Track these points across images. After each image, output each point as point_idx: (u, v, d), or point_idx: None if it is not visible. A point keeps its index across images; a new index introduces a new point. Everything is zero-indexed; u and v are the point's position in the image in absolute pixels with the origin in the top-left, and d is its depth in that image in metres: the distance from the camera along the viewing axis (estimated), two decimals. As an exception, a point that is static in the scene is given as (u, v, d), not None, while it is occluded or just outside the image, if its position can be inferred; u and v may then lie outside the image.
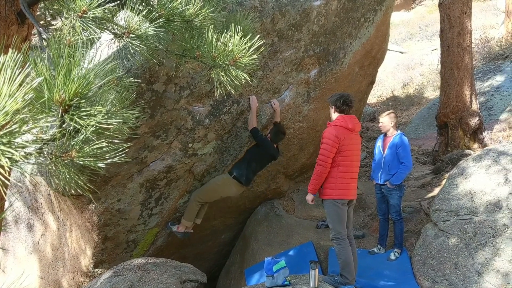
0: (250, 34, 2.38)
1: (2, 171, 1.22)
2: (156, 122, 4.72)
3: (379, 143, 5.97)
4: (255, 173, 5.79)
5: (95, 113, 1.42)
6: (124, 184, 4.94)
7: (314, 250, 6.27)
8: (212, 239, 7.57)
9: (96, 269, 5.57)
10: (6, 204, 5.23)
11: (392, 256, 5.79)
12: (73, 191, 1.56)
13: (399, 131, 5.84)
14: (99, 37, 2.31)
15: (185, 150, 5.21)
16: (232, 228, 7.73)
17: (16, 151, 1.14)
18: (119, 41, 2.17)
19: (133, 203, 5.15)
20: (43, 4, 2.81)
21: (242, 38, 2.31)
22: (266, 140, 5.56)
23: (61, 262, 5.96)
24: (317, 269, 4.49)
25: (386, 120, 5.83)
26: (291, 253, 6.34)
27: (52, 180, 1.45)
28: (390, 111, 6.02)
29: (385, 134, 5.92)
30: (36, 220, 6.17)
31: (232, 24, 2.35)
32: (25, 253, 6.32)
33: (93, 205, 4.90)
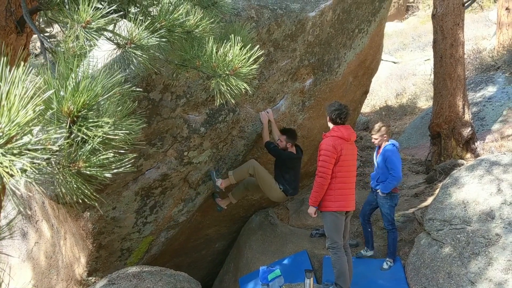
0: (250, 45, 2.41)
1: (8, 179, 1.24)
2: (152, 130, 4.74)
3: (375, 152, 6.08)
4: (296, 180, 5.91)
5: (102, 124, 1.44)
6: (119, 192, 4.94)
7: (309, 258, 6.29)
8: (206, 247, 7.56)
9: (90, 277, 5.54)
10: (2, 215, 5.20)
11: (385, 266, 5.81)
12: (80, 200, 1.56)
13: (390, 141, 5.88)
14: (98, 46, 2.33)
15: (181, 159, 5.22)
16: (226, 237, 7.73)
17: (26, 161, 1.16)
18: (121, 51, 2.20)
19: (128, 211, 5.14)
20: (41, 12, 2.82)
21: (242, 49, 2.35)
22: (278, 149, 5.67)
23: (55, 270, 5.93)
24: (312, 278, 4.51)
25: (378, 136, 5.88)
26: (285, 262, 6.35)
27: (60, 190, 1.45)
28: (381, 125, 5.97)
29: (379, 146, 6.00)
30: (30, 227, 6.14)
31: (232, 35, 2.39)
32: (18, 261, 6.28)
33: (88, 213, 4.89)
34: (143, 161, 4.89)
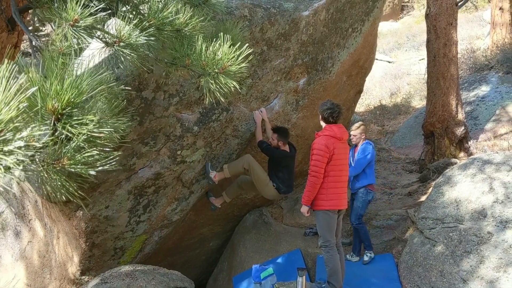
0: (239, 43, 2.41)
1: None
2: (145, 129, 4.73)
3: (350, 151, 6.14)
4: (290, 179, 5.91)
5: (87, 121, 1.44)
6: (112, 191, 4.93)
7: (302, 257, 6.30)
8: (200, 246, 7.56)
9: (83, 277, 5.53)
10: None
11: (366, 258, 5.94)
12: (63, 198, 1.56)
13: (366, 141, 6.10)
14: (88, 45, 2.32)
15: (174, 157, 5.22)
16: (220, 236, 7.72)
17: (9, 158, 1.15)
18: (109, 50, 2.20)
19: (121, 210, 5.13)
20: (33, 11, 2.81)
21: (231, 47, 2.35)
22: (270, 148, 5.67)
23: (48, 269, 5.91)
24: (304, 276, 4.52)
25: (357, 133, 6.06)
26: (279, 260, 6.36)
27: (44, 187, 1.45)
28: (361, 123, 6.23)
29: (355, 145, 6.15)
30: (23, 227, 6.12)
31: (222, 33, 2.39)
32: (11, 260, 6.26)
33: (81, 212, 4.88)
34: (136, 160, 4.88)
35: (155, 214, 5.54)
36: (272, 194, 5.83)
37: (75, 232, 5.09)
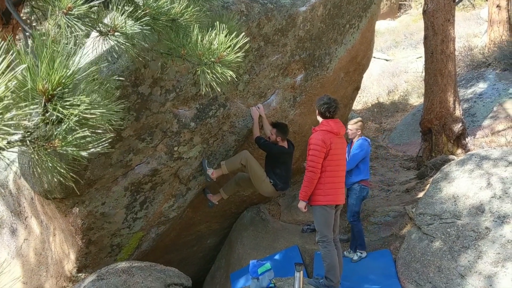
0: (235, 33, 2.39)
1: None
2: (141, 125, 4.70)
3: (347, 147, 6.15)
4: (287, 175, 5.86)
5: (78, 103, 1.41)
6: (108, 188, 4.90)
7: (300, 254, 6.29)
8: (198, 244, 7.54)
9: (80, 274, 5.50)
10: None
11: (355, 257, 5.94)
12: (55, 180, 1.53)
13: (362, 137, 6.12)
14: (85, 42, 2.30)
15: (171, 154, 5.19)
16: (217, 233, 7.71)
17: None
18: (104, 39, 2.17)
19: (117, 206, 5.11)
20: (28, 9, 2.79)
21: (227, 36, 2.33)
22: (268, 144, 5.64)
23: (44, 266, 5.88)
24: (301, 272, 4.50)
25: (353, 128, 6.13)
26: (276, 257, 6.35)
27: (35, 170, 1.42)
28: (359, 119, 6.29)
29: (351, 141, 6.17)
30: (19, 224, 6.09)
31: (217, 22, 2.37)
32: (7, 258, 6.23)
33: (77, 209, 4.85)
34: (132, 156, 4.85)
35: (152, 211, 5.52)
36: (269, 190, 5.80)
37: (72, 229, 5.06)
